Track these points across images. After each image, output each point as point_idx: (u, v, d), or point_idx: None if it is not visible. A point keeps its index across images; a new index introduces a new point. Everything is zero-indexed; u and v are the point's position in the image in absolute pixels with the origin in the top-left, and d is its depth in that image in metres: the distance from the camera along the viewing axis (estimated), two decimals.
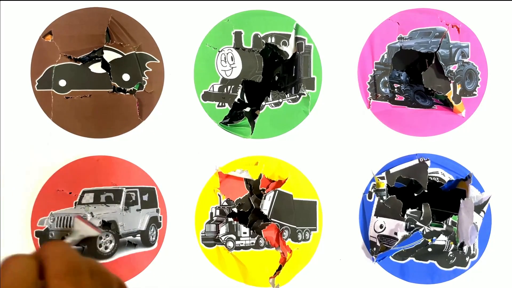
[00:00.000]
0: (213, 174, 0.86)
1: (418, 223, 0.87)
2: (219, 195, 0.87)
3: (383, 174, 0.88)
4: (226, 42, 0.85)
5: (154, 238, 0.85)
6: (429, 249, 0.87)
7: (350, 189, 0.88)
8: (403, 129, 0.89)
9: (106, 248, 0.82)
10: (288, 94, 0.88)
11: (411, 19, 0.88)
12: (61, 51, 0.83)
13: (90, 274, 0.35)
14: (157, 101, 0.85)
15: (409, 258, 0.88)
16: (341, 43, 0.88)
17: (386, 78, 0.89)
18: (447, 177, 0.89)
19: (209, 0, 0.85)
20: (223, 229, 0.85)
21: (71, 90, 0.84)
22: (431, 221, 0.86)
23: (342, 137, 0.88)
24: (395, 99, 0.91)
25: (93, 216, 0.82)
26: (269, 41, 0.86)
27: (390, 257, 0.88)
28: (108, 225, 0.83)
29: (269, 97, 0.87)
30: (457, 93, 0.89)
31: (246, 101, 0.94)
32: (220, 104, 0.86)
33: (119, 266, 0.83)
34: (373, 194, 0.89)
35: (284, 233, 0.86)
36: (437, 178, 0.89)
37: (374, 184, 0.89)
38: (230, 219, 0.86)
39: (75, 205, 0.83)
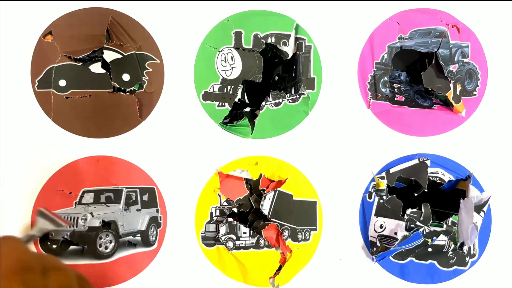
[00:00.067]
0: (213, 174, 0.86)
1: (418, 223, 0.87)
2: (219, 195, 0.87)
3: (383, 174, 0.88)
4: (226, 42, 0.85)
5: (154, 238, 0.85)
6: (429, 249, 0.87)
7: (350, 189, 0.89)
8: (403, 129, 0.89)
9: (106, 248, 0.82)
10: (288, 94, 0.88)
11: (411, 19, 0.88)
12: (61, 51, 0.83)
13: (43, 271, 0.33)
14: (157, 101, 0.85)
15: (409, 258, 0.88)
16: (341, 43, 0.88)
17: (386, 78, 0.89)
18: (447, 177, 0.89)
19: (209, 0, 0.85)
20: (223, 229, 0.85)
21: (71, 90, 0.84)
22: (431, 221, 0.86)
23: (342, 137, 0.88)
24: (395, 99, 0.91)
25: (93, 216, 0.82)
26: (269, 41, 0.86)
27: (390, 257, 0.88)
28: (108, 225, 0.83)
29: (269, 97, 0.87)
30: (457, 93, 0.89)
31: (246, 101, 0.94)
32: (220, 104, 0.86)
33: (119, 266, 0.83)
34: (373, 194, 0.89)
35: (284, 233, 0.86)
36: (437, 178, 0.89)
37: (374, 184, 0.89)
38: (230, 219, 0.86)
39: (75, 205, 0.83)
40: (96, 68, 0.84)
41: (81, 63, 0.84)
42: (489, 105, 0.90)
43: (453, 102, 0.88)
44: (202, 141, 0.86)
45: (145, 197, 0.85)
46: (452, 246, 0.87)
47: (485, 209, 0.88)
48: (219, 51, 0.85)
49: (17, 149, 0.83)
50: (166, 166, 0.85)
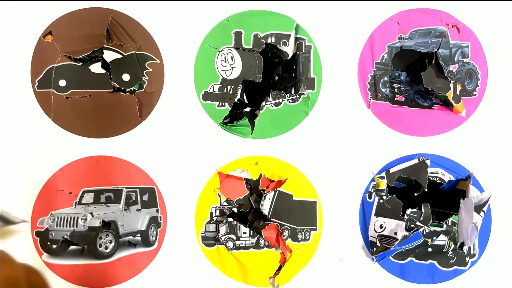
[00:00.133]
0: (213, 174, 0.86)
1: (418, 223, 0.87)
2: (219, 195, 0.87)
3: (383, 174, 0.88)
4: (226, 42, 0.85)
5: (154, 238, 0.85)
6: (429, 249, 0.87)
7: (350, 189, 0.89)
8: (403, 129, 0.89)
9: (106, 248, 0.82)
10: (288, 94, 0.88)
11: (411, 19, 0.88)
12: (61, 51, 0.83)
13: None
14: (157, 101, 0.85)
15: (409, 258, 0.88)
16: (341, 43, 0.88)
17: (386, 78, 0.89)
18: (447, 177, 0.89)
19: (209, 0, 0.85)
20: (223, 229, 0.85)
21: (71, 90, 0.84)
22: (431, 221, 0.86)
23: (342, 137, 0.88)
24: (395, 99, 0.91)
25: (93, 216, 0.82)
26: (269, 41, 0.86)
27: (390, 257, 0.88)
28: (108, 225, 0.83)
29: (269, 97, 0.87)
30: (457, 93, 0.89)
31: (246, 101, 0.94)
32: (220, 104, 0.86)
33: (119, 266, 0.83)
34: (373, 194, 0.89)
35: (284, 233, 0.86)
36: (437, 178, 0.89)
37: (374, 184, 0.89)
38: (230, 219, 0.86)
39: (75, 205, 0.83)
40: (96, 68, 0.84)
41: (81, 63, 0.84)
42: (489, 105, 0.90)
43: (453, 102, 0.88)
44: (202, 141, 0.86)
45: (145, 197, 0.85)
46: (452, 246, 0.87)
47: (485, 209, 0.88)
48: (219, 51, 0.85)
49: (17, 149, 0.83)
50: (166, 166, 0.85)
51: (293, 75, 0.90)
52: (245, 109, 0.93)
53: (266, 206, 0.84)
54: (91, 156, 0.84)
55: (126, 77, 0.84)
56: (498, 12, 0.89)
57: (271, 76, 0.97)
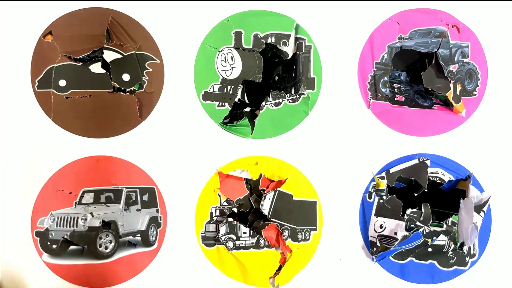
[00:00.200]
0: (213, 174, 0.86)
1: (418, 223, 0.87)
2: (219, 195, 0.87)
3: (383, 174, 0.88)
4: (226, 42, 0.85)
5: (154, 238, 0.85)
6: (429, 249, 0.87)
7: (350, 189, 0.88)
8: (403, 129, 0.89)
9: (106, 248, 0.82)
10: (288, 94, 0.88)
11: (411, 19, 0.88)
12: (61, 51, 0.83)
13: None
14: (157, 101, 0.85)
15: (409, 258, 0.88)
16: (341, 43, 0.88)
17: (386, 78, 0.89)
18: (447, 177, 0.89)
19: (209, 0, 0.85)
20: (223, 229, 0.85)
21: (71, 90, 0.84)
22: (431, 221, 0.86)
23: (342, 137, 0.88)
24: (395, 99, 0.91)
25: (93, 216, 0.82)
26: (269, 41, 0.86)
27: (390, 257, 0.88)
28: (108, 225, 0.83)
29: (269, 97, 0.87)
30: (457, 93, 0.89)
31: (246, 101, 0.94)
32: (220, 104, 0.86)
33: (119, 266, 0.83)
34: (373, 194, 0.89)
35: (284, 233, 0.86)
36: (437, 178, 0.89)
37: (374, 184, 0.89)
38: (230, 219, 0.86)
39: (75, 205, 0.83)
40: (96, 68, 0.84)
41: (81, 63, 0.84)
42: (489, 105, 0.90)
43: (453, 102, 0.88)
44: (202, 141, 0.86)
45: (145, 197, 0.85)
46: (452, 246, 0.87)
47: (485, 209, 0.88)
48: (219, 51, 0.85)
49: (17, 149, 0.83)
50: (166, 166, 0.85)
51: (293, 75, 0.90)
52: (245, 109, 0.93)
53: (266, 206, 0.84)
54: (91, 156, 0.84)
55: (126, 77, 0.84)
56: (498, 12, 0.89)
57: (271, 76, 0.97)
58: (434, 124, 0.89)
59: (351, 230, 0.88)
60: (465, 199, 0.86)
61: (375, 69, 0.88)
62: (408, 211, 0.87)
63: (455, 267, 0.89)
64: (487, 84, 0.90)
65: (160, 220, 0.85)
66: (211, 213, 0.86)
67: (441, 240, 0.87)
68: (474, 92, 0.89)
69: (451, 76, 0.88)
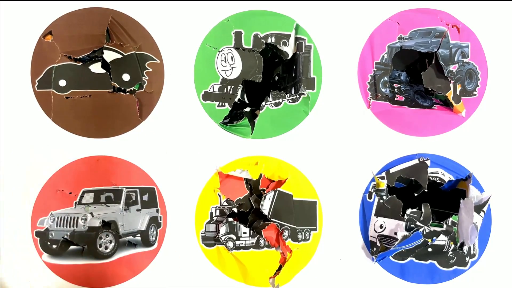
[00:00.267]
0: (213, 174, 0.86)
1: (418, 223, 0.87)
2: (219, 195, 0.87)
3: (383, 174, 0.88)
4: (226, 42, 0.85)
5: (154, 238, 0.85)
6: (429, 249, 0.87)
7: (350, 189, 0.88)
8: (403, 129, 0.89)
9: (106, 248, 0.82)
10: (288, 94, 0.88)
11: (411, 19, 0.88)
12: (61, 51, 0.83)
13: None
14: (157, 101, 0.85)
15: (409, 258, 0.88)
16: (341, 43, 0.88)
17: (386, 78, 0.89)
18: (447, 177, 0.89)
19: (209, 0, 0.85)
20: (223, 229, 0.85)
21: (71, 90, 0.84)
22: (431, 221, 0.86)
23: (342, 137, 0.88)
24: (395, 99, 0.91)
25: (93, 216, 0.82)
26: (269, 41, 0.86)
27: (390, 257, 0.88)
28: (108, 225, 0.83)
29: (269, 97, 0.87)
30: (457, 93, 0.89)
31: (246, 101, 0.94)
32: (220, 104, 0.86)
33: (119, 266, 0.83)
34: (373, 194, 0.89)
35: (284, 233, 0.86)
36: (437, 178, 0.89)
37: (374, 184, 0.89)
38: (230, 219, 0.86)
39: (75, 205, 0.83)
40: (96, 68, 0.84)
41: (81, 63, 0.84)
42: (489, 105, 0.90)
43: (453, 102, 0.88)
44: (202, 141, 0.86)
45: (145, 197, 0.85)
46: (452, 246, 0.87)
47: (485, 209, 0.88)
48: (219, 51, 0.85)
49: (17, 149, 0.83)
50: (166, 166, 0.85)
51: (293, 75, 0.90)
52: (245, 109, 0.93)
53: (266, 206, 0.84)
54: (91, 156, 0.84)
55: (126, 77, 0.84)
56: (498, 12, 0.89)
57: (271, 76, 0.97)
58: (434, 124, 0.89)
59: (351, 230, 0.88)
60: (465, 199, 0.86)
61: (375, 69, 0.88)
62: (408, 211, 0.87)
63: (455, 267, 0.89)
64: (487, 84, 0.90)
65: (160, 220, 0.85)
66: (211, 213, 0.86)
67: (441, 240, 0.87)
68: (474, 92, 0.89)
69: (451, 76, 0.88)
